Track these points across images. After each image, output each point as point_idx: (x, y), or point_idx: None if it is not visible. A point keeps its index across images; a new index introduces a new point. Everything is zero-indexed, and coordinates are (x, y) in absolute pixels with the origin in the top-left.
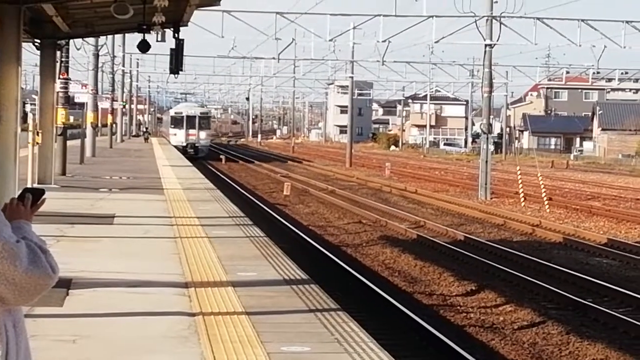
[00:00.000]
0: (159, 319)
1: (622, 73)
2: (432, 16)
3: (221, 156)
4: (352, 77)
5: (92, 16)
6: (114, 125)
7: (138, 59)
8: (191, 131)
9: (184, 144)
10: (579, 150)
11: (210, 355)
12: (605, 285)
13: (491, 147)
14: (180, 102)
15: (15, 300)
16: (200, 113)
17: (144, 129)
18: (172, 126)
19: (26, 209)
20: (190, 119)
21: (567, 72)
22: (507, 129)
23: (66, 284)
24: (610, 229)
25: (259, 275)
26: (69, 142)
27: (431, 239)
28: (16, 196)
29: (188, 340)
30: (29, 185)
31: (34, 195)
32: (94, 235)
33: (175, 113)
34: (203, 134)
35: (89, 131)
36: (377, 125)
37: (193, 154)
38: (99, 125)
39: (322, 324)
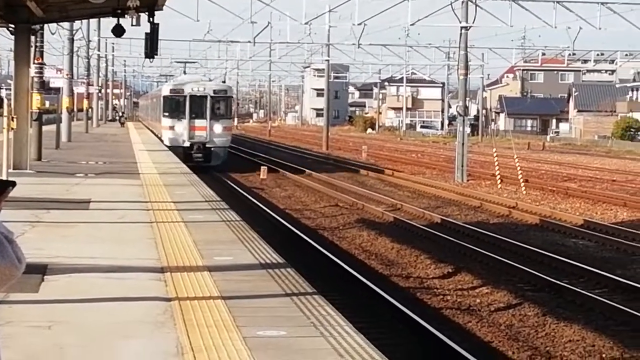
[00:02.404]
0: (135, 304)
1: (597, 54)
2: None
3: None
4: (328, 60)
5: (66, 0)
6: (89, 110)
7: (113, 44)
8: (199, 122)
9: (187, 144)
10: (555, 132)
11: (186, 340)
12: (581, 267)
13: (467, 130)
14: (159, 84)
15: None
16: (215, 91)
17: (120, 114)
18: (166, 114)
19: None
20: (198, 102)
21: (543, 54)
22: (484, 111)
23: (41, 270)
24: (586, 210)
25: (235, 259)
26: (44, 127)
27: (408, 221)
28: None
29: (164, 325)
30: (4, 172)
31: (2, 185)
32: (70, 221)
33: (172, 92)
34: (219, 128)
35: (64, 116)
36: (353, 108)
37: (202, 161)
38: (75, 110)
39: (298, 308)
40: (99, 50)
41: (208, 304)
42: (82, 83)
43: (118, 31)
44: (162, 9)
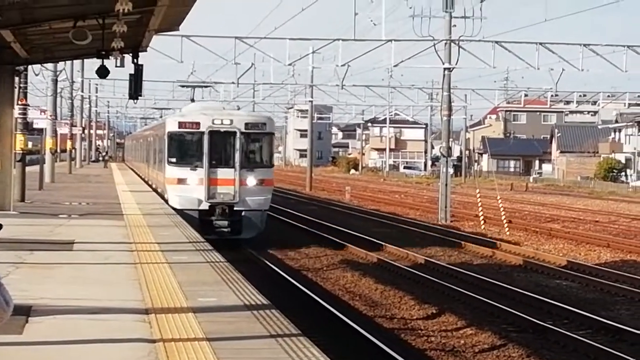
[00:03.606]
0: (119, 346)
1: (580, 95)
2: (391, 40)
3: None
4: (311, 101)
5: (50, 42)
6: (73, 150)
7: (97, 84)
8: (224, 173)
9: (204, 206)
10: (538, 173)
11: None
12: (564, 308)
13: (451, 170)
14: (142, 124)
15: None
16: (248, 125)
17: (104, 154)
18: (172, 160)
19: None
20: (222, 141)
21: (526, 95)
22: (467, 152)
23: (25, 312)
24: (569, 251)
25: (220, 300)
26: (27, 168)
27: (391, 262)
28: None
29: None
30: None
31: None
32: (54, 262)
33: (182, 126)
34: (254, 180)
35: (47, 157)
36: (336, 149)
37: (228, 232)
38: (58, 150)
39: (283, 350)
40: (82, 91)
41: (193, 346)
42: (66, 124)
43: (102, 72)
44: (146, 50)
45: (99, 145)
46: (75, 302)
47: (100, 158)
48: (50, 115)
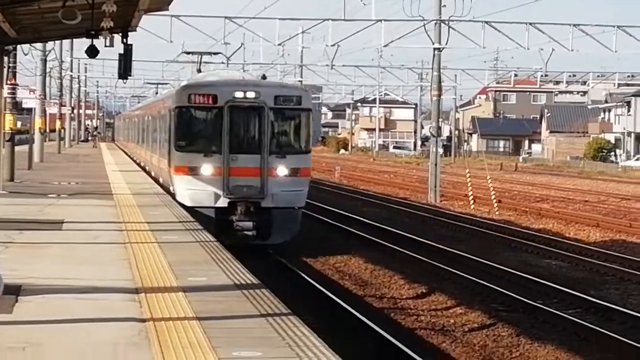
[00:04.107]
0: (109, 325)
1: (569, 76)
2: (380, 20)
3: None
4: (301, 81)
5: (39, 21)
6: (62, 130)
7: (86, 64)
8: (247, 160)
9: (222, 203)
10: (528, 153)
11: None
12: (554, 287)
13: (440, 150)
14: (135, 102)
15: None
16: (279, 99)
17: (96, 133)
18: (181, 143)
19: None
20: (244, 119)
21: (516, 75)
22: (456, 132)
23: (15, 291)
24: (559, 230)
25: (210, 280)
26: (17, 148)
27: (381, 242)
28: None
29: (139, 347)
30: None
31: None
32: (43, 242)
33: (194, 98)
34: (285, 170)
35: (37, 137)
36: (326, 129)
37: (252, 237)
38: (47, 130)
39: (274, 329)
40: (71, 71)
41: (183, 325)
42: (55, 104)
43: (92, 52)
44: (135, 30)
45: (88, 124)
46: (64, 282)
47: (90, 137)
48: (40, 95)
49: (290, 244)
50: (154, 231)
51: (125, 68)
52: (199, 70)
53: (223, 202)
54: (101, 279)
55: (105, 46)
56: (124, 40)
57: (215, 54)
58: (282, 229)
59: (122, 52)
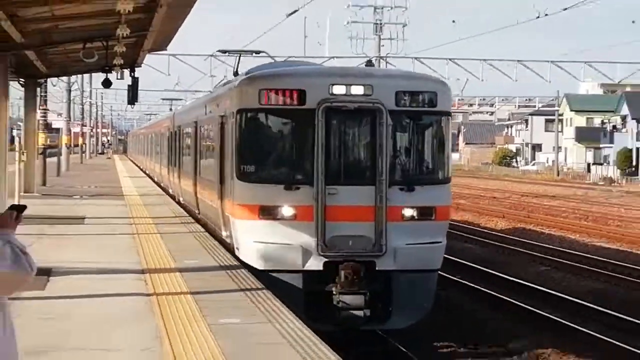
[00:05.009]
0: (122, 299)
1: (480, 99)
2: (333, 57)
3: None
4: None
5: (65, 60)
6: (83, 145)
7: (102, 93)
8: (355, 196)
9: (313, 265)
10: None
11: (162, 327)
12: (466, 264)
13: None
14: (146, 119)
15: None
16: (405, 95)
17: (109, 147)
18: (248, 168)
19: (11, 221)
20: (352, 128)
21: None
22: None
23: (47, 272)
24: (474, 220)
25: (200, 262)
26: (48, 159)
27: None
28: (6, 206)
29: (145, 316)
30: (16, 195)
31: (18, 210)
32: (69, 233)
33: (268, 99)
34: (412, 210)
35: (63, 150)
36: None
37: (362, 318)
38: (72, 145)
39: (251, 301)
40: (90, 98)
41: (179, 298)
42: (78, 124)
43: (106, 84)
44: (140, 66)
45: (104, 140)
46: (86, 265)
47: (105, 151)
48: (65, 118)
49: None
50: (156, 224)
51: (132, 96)
52: (236, 73)
53: (316, 264)
54: (115, 262)
55: (117, 79)
56: (132, 74)
57: (257, 52)
58: (408, 304)
59: (130, 83)
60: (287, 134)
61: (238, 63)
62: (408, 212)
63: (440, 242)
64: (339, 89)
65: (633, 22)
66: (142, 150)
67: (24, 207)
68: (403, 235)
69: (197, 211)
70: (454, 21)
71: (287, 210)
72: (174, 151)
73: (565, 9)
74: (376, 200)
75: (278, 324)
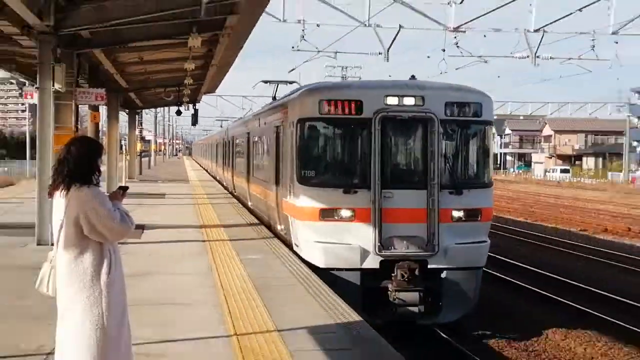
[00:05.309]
0: (189, 243)
1: None
2: None
3: None
4: None
5: (153, 98)
6: (164, 150)
7: (176, 119)
8: (410, 199)
9: (370, 263)
10: None
11: (212, 262)
12: None
13: None
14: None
15: (112, 238)
16: (454, 106)
17: (180, 152)
18: (307, 174)
19: (120, 196)
20: (406, 135)
21: None
22: None
23: (142, 227)
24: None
25: (235, 221)
26: (143, 159)
27: None
28: (117, 187)
29: (203, 254)
30: (123, 180)
31: (123, 189)
32: (156, 204)
33: (326, 109)
34: (461, 212)
35: (152, 154)
36: None
37: (417, 313)
38: (157, 150)
39: (267, 245)
40: (169, 121)
41: (222, 243)
42: (160, 137)
43: (178, 113)
44: (199, 102)
45: (177, 147)
46: (166, 222)
47: (177, 154)
48: (153, 133)
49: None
50: (208, 197)
51: (194, 120)
52: (274, 98)
53: (373, 262)
54: (184, 221)
55: (185, 110)
56: (194, 107)
57: (291, 82)
58: (457, 300)
59: (192, 113)
60: (344, 142)
61: (276, 89)
62: (457, 213)
63: (485, 241)
64: (393, 100)
65: None
66: (202, 154)
67: (127, 187)
68: (452, 236)
69: (249, 203)
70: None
71: (346, 213)
72: (228, 155)
73: None
74: (428, 203)
75: (284, 259)
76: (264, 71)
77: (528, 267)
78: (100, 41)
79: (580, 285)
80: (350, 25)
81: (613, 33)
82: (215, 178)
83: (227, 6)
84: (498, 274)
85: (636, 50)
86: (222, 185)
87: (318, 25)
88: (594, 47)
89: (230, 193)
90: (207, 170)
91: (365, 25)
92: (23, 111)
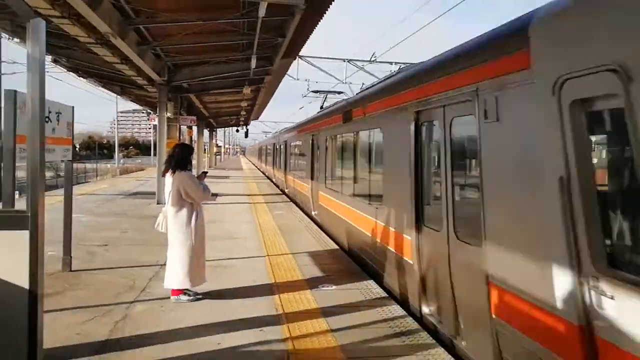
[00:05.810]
0: (243, 205)
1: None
2: None
3: None
4: None
5: (223, 122)
6: (228, 151)
7: (234, 134)
8: None
9: None
10: None
11: (255, 215)
12: None
13: None
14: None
15: (198, 201)
16: None
17: (238, 153)
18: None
19: (203, 176)
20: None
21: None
22: None
23: (216, 195)
24: None
25: (274, 199)
26: (217, 157)
27: None
28: (201, 172)
29: (250, 211)
30: (206, 167)
31: (205, 173)
32: (223, 182)
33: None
34: None
35: (222, 153)
36: None
37: None
38: (225, 152)
39: (288, 207)
40: (231, 135)
41: (261, 205)
42: (227, 145)
43: (237, 130)
44: (249, 124)
45: (235, 150)
46: (229, 192)
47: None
48: (222, 141)
49: None
50: (256, 182)
51: (246, 134)
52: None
53: None
54: (240, 193)
55: (242, 128)
56: (246, 127)
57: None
58: None
59: (245, 130)
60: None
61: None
62: None
63: None
64: None
65: None
66: (254, 155)
67: (207, 172)
68: None
69: (273, 179)
70: None
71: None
72: (279, 157)
73: None
74: None
75: (298, 214)
76: (284, 107)
77: None
78: (193, 89)
79: None
80: (333, 82)
81: None
82: (259, 169)
83: (265, 71)
84: None
85: None
86: (263, 173)
87: (317, 82)
88: None
89: (268, 177)
90: (254, 165)
91: (343, 82)
92: (149, 128)
